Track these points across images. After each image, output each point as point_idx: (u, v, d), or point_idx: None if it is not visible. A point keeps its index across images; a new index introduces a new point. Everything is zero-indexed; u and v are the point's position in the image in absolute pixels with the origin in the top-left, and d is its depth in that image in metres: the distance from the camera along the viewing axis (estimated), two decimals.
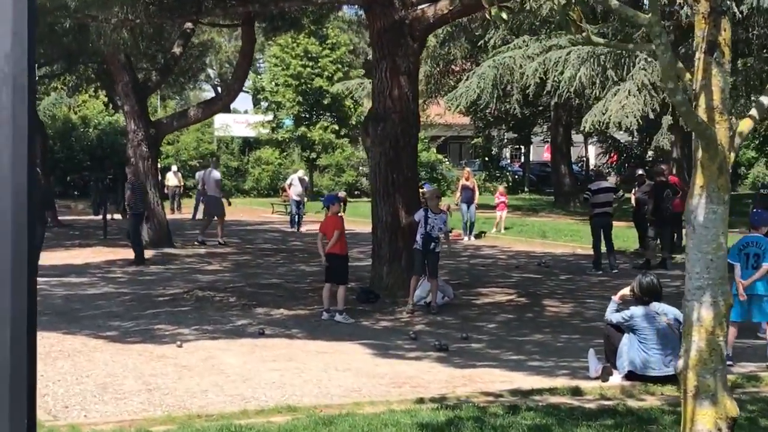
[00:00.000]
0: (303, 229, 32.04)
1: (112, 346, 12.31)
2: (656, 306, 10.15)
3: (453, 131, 57.79)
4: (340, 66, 47.81)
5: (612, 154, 62.81)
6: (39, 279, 17.31)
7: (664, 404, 9.10)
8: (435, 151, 56.10)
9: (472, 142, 60.58)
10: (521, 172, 60.98)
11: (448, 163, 58.07)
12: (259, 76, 55.68)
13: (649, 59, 27.74)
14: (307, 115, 48.13)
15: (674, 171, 35.43)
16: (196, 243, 26.07)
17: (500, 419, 8.06)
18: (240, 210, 42.66)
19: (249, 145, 56.71)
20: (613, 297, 10.58)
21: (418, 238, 15.09)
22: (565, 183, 41.92)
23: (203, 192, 27.80)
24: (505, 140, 59.53)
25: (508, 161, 66.64)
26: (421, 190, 31.96)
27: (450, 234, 16.15)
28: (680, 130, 29.73)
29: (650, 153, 48.48)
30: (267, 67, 51.49)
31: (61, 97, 57.42)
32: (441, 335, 13.27)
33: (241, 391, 9.85)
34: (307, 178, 36.63)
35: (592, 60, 28.21)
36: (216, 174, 27.61)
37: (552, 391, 9.50)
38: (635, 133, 47.42)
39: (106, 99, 58.15)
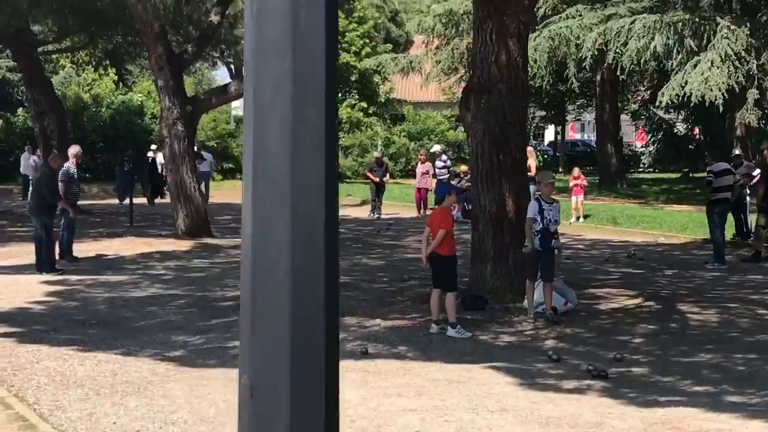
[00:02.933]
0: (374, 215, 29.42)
1: (187, 372, 9.83)
2: None
3: None
4: (367, 41, 45.13)
5: (639, 132, 60.36)
6: (72, 277, 14.87)
7: None
8: (463, 130, 53.52)
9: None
10: (551, 152, 58.42)
11: None
12: None
13: (732, 27, 25.23)
14: None
15: (737, 150, 33.02)
16: None
17: None
18: None
19: None
20: None
21: (534, 235, 12.59)
22: (612, 164, 39.34)
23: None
24: (537, 118, 56.88)
25: (535, 141, 64.04)
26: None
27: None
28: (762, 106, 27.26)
29: (697, 132, 46.06)
30: None
31: (70, 75, 54.88)
32: (583, 354, 10.82)
33: None
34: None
35: (668, 29, 25.64)
36: None
37: None
38: (681, 112, 45.07)
39: (116, 77, 55.69)
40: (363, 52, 44.42)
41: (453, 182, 30.97)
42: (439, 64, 37.17)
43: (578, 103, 52.68)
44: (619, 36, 28.53)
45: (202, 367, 10.10)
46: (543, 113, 55.45)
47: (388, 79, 47.17)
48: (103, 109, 48.14)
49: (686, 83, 24.71)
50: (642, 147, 58.81)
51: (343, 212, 30.81)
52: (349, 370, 9.95)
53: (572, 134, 69.88)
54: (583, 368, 10.06)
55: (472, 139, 13.81)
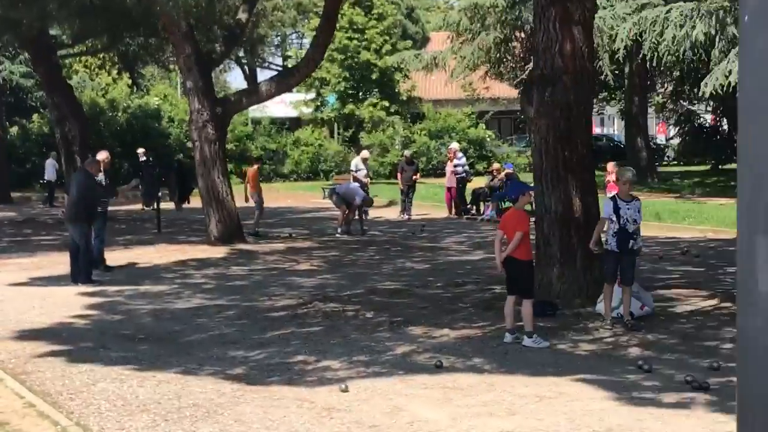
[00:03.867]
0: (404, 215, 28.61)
1: (255, 392, 9.09)
2: None
3: (500, 105, 54.46)
4: (388, 38, 44.31)
5: (660, 125, 59.65)
6: (109, 288, 14.11)
7: None
8: (484, 127, 52.78)
9: (523, 116, 57.31)
10: None
11: (498, 139, 54.64)
12: (300, 51, 52.07)
13: None
14: (353, 92, 44.64)
15: None
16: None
17: None
18: (285, 195, 39.61)
19: (280, 125, 53.27)
20: None
21: (610, 236, 11.85)
22: (642, 157, 38.58)
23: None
24: None
25: None
26: (506, 172, 28.86)
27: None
28: None
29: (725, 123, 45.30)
30: (310, 41, 47.97)
31: (83, 80, 54.28)
32: (674, 363, 10.06)
33: None
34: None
35: (709, 16, 24.83)
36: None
37: None
38: (709, 104, 44.34)
39: (129, 81, 55.04)
40: (383, 50, 43.61)
41: (486, 180, 30.25)
42: (464, 60, 36.37)
43: (601, 97, 51.82)
44: (654, 25, 27.80)
45: (269, 385, 9.37)
46: None
47: (409, 77, 46.39)
48: (120, 114, 47.42)
49: (730, 72, 23.88)
50: (666, 140, 58.09)
51: (372, 213, 30.17)
52: (428, 387, 9.25)
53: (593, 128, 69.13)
54: (679, 379, 9.31)
55: (534, 135, 13.05)
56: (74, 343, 11.44)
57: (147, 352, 10.93)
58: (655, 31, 27.53)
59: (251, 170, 24.59)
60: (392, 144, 49.30)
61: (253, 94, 22.19)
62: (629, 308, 11.80)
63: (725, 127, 48.08)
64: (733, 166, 46.08)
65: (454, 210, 29.46)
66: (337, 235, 23.42)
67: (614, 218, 11.76)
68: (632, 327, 11.58)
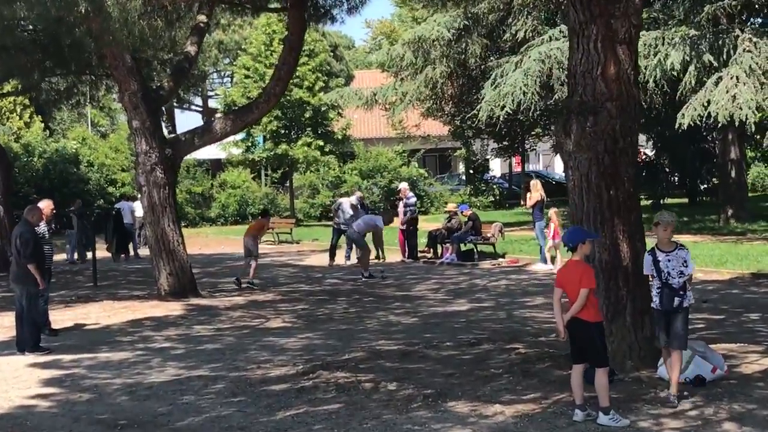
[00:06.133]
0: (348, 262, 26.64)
1: None
2: None
3: (431, 143, 52.99)
4: (320, 75, 42.57)
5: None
6: (63, 357, 11.91)
7: None
8: (416, 166, 51.24)
9: (455, 154, 55.98)
10: (505, 184, 56.33)
11: (431, 178, 53.16)
12: (228, 90, 49.88)
13: (755, 39, 23.24)
14: (286, 131, 42.73)
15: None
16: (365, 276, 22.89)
17: None
18: (216, 241, 37.53)
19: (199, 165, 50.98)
20: None
21: (655, 293, 10.12)
22: None
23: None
24: (490, 150, 54.66)
25: (492, 174, 61.76)
26: (466, 213, 27.25)
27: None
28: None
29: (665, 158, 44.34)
30: (238, 79, 45.99)
31: None
32: None
33: None
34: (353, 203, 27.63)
35: (683, 44, 23.50)
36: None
37: None
38: (651, 138, 43.40)
39: (42, 124, 52.60)
40: (316, 87, 41.87)
41: (442, 222, 28.49)
42: (407, 96, 34.79)
43: (534, 133, 50.46)
44: None
45: None
46: (496, 145, 52.86)
47: (343, 115, 44.73)
48: (36, 159, 44.82)
49: (709, 103, 22.57)
50: None
51: (315, 259, 28.51)
52: None
53: (517, 166, 67.88)
54: None
55: (573, 171, 11.28)
56: None
57: None
58: None
59: (256, 222, 23.99)
60: (323, 185, 47.57)
61: (207, 132, 20.11)
62: (678, 379, 9.96)
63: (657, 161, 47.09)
64: (675, 200, 45.26)
65: (407, 253, 27.71)
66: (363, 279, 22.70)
67: (655, 272, 10.05)
68: (671, 403, 9.70)
